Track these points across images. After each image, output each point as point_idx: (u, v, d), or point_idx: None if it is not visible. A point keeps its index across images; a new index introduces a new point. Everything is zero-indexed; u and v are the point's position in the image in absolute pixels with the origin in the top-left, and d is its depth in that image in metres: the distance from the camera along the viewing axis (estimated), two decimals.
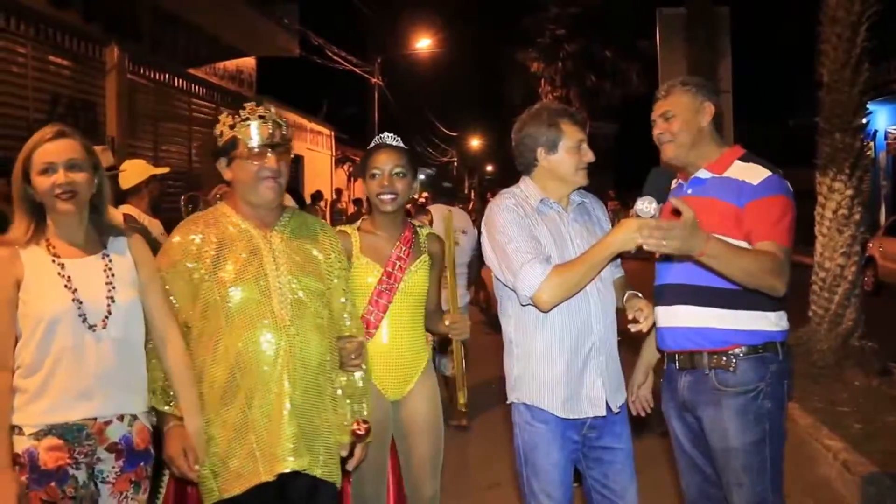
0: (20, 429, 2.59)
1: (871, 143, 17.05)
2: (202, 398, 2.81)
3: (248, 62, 17.16)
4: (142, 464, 2.77)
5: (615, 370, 3.13)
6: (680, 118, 3.08)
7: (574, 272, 2.89)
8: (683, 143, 3.08)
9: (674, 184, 3.21)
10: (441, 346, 5.50)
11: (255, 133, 2.83)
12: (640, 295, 3.11)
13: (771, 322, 2.99)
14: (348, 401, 3.02)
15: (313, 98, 25.67)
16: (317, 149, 25.14)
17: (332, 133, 27.48)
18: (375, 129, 25.43)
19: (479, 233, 3.32)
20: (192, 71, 14.30)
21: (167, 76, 13.45)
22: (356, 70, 24.32)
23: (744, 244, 2.90)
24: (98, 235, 2.78)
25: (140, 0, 11.90)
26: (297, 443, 2.75)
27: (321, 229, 3.08)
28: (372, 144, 3.46)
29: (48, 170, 2.64)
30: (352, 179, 29.86)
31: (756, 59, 27.66)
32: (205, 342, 2.81)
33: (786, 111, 26.14)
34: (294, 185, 18.90)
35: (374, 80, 25.58)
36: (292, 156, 2.99)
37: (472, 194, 28.19)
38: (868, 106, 8.02)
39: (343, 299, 3.07)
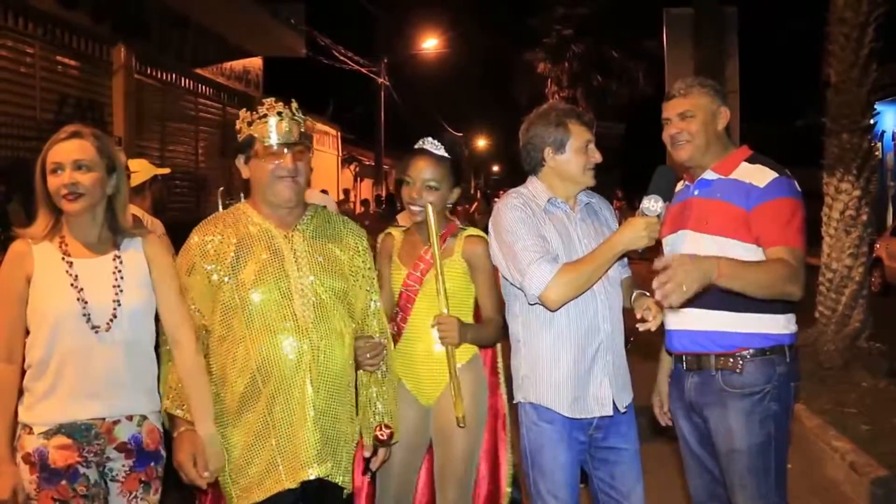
0: (30, 428, 2.60)
1: (879, 144, 17.01)
2: (222, 403, 2.78)
3: (255, 62, 17.17)
4: (152, 464, 2.75)
5: (622, 370, 3.13)
6: (699, 119, 3.04)
7: (581, 271, 2.89)
8: (700, 145, 3.05)
9: (680, 185, 3.21)
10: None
11: (271, 131, 2.78)
12: (648, 294, 3.10)
13: (780, 325, 2.98)
14: (368, 402, 2.98)
15: (320, 98, 25.67)
16: (323, 149, 25.14)
17: (339, 133, 27.50)
18: (382, 130, 25.44)
19: (486, 233, 3.28)
20: (198, 71, 14.31)
21: (174, 76, 13.46)
22: (363, 70, 24.30)
23: (752, 247, 2.89)
24: (112, 236, 2.77)
25: (148, 0, 11.92)
26: (322, 449, 2.71)
27: (345, 228, 3.01)
28: (416, 146, 3.31)
29: (56, 170, 2.64)
30: (358, 179, 29.89)
31: (763, 60, 27.60)
32: (226, 346, 2.77)
33: (793, 112, 26.05)
34: None
35: (380, 81, 25.55)
36: (312, 154, 2.92)
37: (478, 194, 28.14)
38: (875, 106, 8.00)
39: (368, 299, 3.01)
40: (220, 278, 2.77)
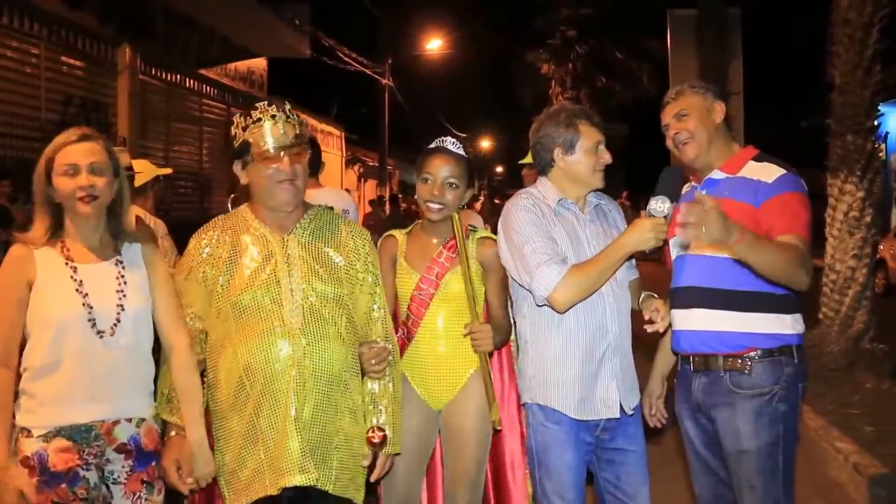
0: (28, 431, 2.59)
1: (883, 145, 16.97)
2: (215, 405, 2.77)
3: (259, 63, 17.21)
4: (153, 463, 2.74)
5: (629, 372, 3.13)
6: (694, 115, 3.08)
7: (590, 273, 2.90)
8: (702, 140, 3.06)
9: (687, 186, 3.21)
10: None
11: (266, 135, 2.72)
12: (655, 296, 3.11)
13: (787, 325, 2.98)
14: (370, 408, 2.91)
15: (324, 99, 25.71)
16: (327, 150, 25.16)
17: (343, 134, 27.50)
18: (386, 131, 25.45)
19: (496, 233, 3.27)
20: (203, 72, 14.35)
21: (178, 77, 13.50)
22: (367, 71, 24.32)
23: None
24: (113, 240, 2.77)
25: (152, 1, 11.95)
26: (305, 457, 2.65)
27: (347, 231, 2.94)
28: (432, 145, 3.28)
29: (71, 172, 2.63)
30: (362, 180, 29.89)
31: (767, 61, 27.59)
32: (218, 349, 2.76)
33: (797, 113, 26.03)
34: None
35: (384, 81, 25.58)
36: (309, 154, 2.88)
37: (482, 195, 28.14)
38: (880, 108, 7.99)
39: (370, 304, 2.95)
40: (214, 282, 2.76)
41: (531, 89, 29.39)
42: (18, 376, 2.64)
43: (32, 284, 2.61)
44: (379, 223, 14.37)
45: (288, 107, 2.81)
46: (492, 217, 6.30)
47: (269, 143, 2.73)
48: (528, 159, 5.36)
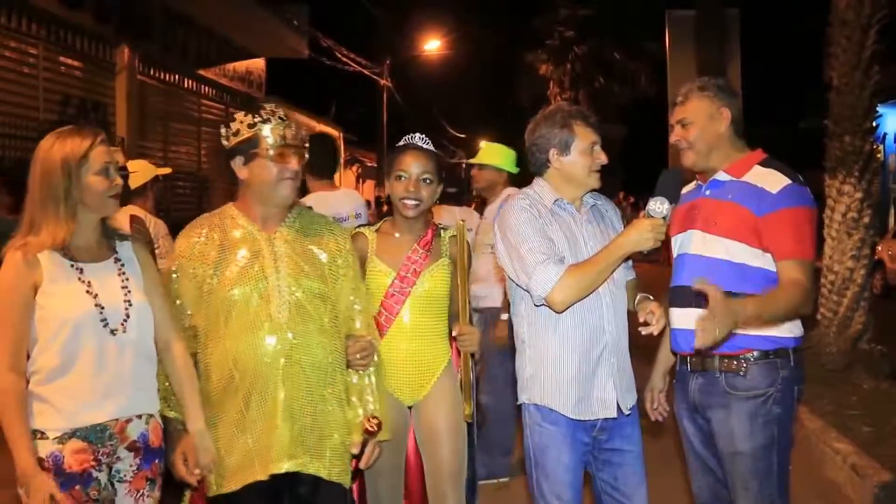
0: (42, 433, 2.59)
1: (881, 146, 16.99)
2: (205, 395, 2.84)
3: (258, 63, 17.21)
4: (157, 461, 2.79)
5: (626, 372, 3.13)
6: (696, 126, 3.07)
7: (587, 273, 2.90)
8: (700, 150, 3.07)
9: (692, 185, 3.22)
10: None
11: (279, 133, 2.83)
12: (651, 297, 3.11)
13: (783, 328, 2.98)
14: (355, 398, 3.00)
15: (322, 99, 25.69)
16: None
17: (341, 134, 27.47)
18: (384, 131, 25.45)
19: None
20: (201, 72, 14.35)
21: (177, 77, 13.50)
22: (365, 71, 24.33)
23: (759, 252, 2.91)
24: (107, 240, 2.80)
25: (151, 1, 11.95)
26: (295, 444, 2.77)
27: (328, 229, 3.05)
28: (401, 143, 3.36)
29: (106, 171, 2.68)
30: (360, 181, 29.90)
31: (766, 62, 27.60)
32: (208, 344, 2.84)
33: (795, 114, 26.04)
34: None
35: (382, 82, 25.59)
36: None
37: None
38: (878, 108, 8.01)
39: (351, 299, 3.04)
40: (204, 278, 2.84)
41: (529, 90, 29.37)
42: (26, 380, 2.64)
43: (38, 288, 2.60)
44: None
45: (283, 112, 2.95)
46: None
47: (281, 141, 2.84)
48: (479, 159, 5.40)
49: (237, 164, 2.88)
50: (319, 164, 4.88)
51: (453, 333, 3.25)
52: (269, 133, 2.82)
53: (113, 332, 2.66)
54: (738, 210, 2.94)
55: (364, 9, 23.49)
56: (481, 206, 6.42)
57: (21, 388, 2.58)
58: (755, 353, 2.96)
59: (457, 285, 3.29)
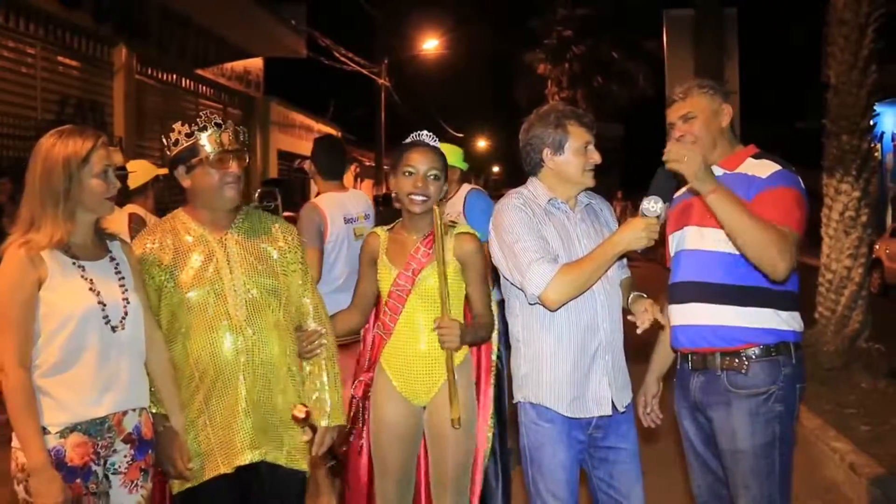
0: (44, 429, 2.60)
1: (879, 145, 17.02)
2: None
3: (256, 63, 17.20)
4: (150, 451, 2.83)
5: (621, 370, 3.14)
6: (701, 119, 3.08)
7: (581, 271, 2.90)
8: (706, 144, 3.06)
9: (687, 185, 3.22)
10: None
11: (216, 139, 2.91)
12: (644, 296, 3.12)
13: (782, 321, 2.98)
14: (307, 385, 3.08)
15: (320, 99, 25.70)
16: None
17: (339, 134, 27.49)
18: (382, 131, 25.43)
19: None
20: (199, 71, 14.35)
21: (175, 77, 13.50)
22: (363, 71, 24.31)
23: None
24: (99, 239, 2.83)
25: (149, 1, 11.95)
26: (256, 436, 2.87)
27: (276, 226, 3.13)
28: (408, 140, 3.37)
29: (105, 174, 2.71)
30: (359, 180, 29.88)
31: (763, 61, 27.62)
32: (169, 344, 2.92)
33: (793, 113, 26.09)
34: (301, 187, 18.90)
35: (381, 81, 25.57)
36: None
37: None
38: (875, 108, 8.01)
39: (302, 292, 3.11)
40: (161, 282, 2.92)
41: (528, 89, 29.40)
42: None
43: (42, 283, 2.62)
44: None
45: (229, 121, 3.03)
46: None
47: (220, 147, 2.92)
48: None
49: (180, 173, 2.98)
50: (329, 165, 4.88)
51: (432, 327, 3.17)
52: (206, 141, 2.91)
53: (114, 328, 2.70)
54: None
55: (362, 8, 23.48)
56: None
57: (30, 384, 2.59)
58: (756, 350, 2.95)
59: (473, 283, 3.28)
